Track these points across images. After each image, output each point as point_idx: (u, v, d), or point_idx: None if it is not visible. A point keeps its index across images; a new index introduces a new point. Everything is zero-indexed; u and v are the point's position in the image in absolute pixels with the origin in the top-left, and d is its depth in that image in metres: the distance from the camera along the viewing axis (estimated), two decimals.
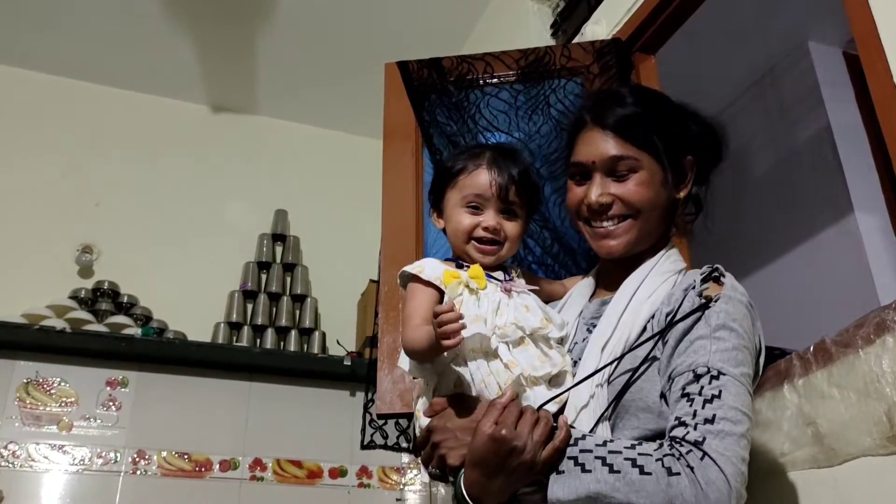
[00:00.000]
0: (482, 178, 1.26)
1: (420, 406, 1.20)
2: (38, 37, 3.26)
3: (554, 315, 1.24)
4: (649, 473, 0.97)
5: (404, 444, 2.15)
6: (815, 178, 2.83)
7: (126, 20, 3.16)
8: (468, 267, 1.23)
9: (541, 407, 1.08)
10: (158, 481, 2.86)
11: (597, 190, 1.23)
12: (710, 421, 0.99)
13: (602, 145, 1.23)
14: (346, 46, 3.31)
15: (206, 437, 2.97)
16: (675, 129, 1.26)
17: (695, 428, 0.99)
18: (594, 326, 1.21)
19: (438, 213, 1.34)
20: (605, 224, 1.23)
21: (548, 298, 1.33)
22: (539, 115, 1.70)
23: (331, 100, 3.64)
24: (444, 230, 1.33)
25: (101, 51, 3.35)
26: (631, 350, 1.12)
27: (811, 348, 1.37)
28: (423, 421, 1.17)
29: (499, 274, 1.26)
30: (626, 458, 0.99)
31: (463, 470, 1.06)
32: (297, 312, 3.35)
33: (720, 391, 1.01)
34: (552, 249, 1.60)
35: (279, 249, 3.52)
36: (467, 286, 1.18)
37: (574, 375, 1.16)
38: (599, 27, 2.26)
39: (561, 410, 1.11)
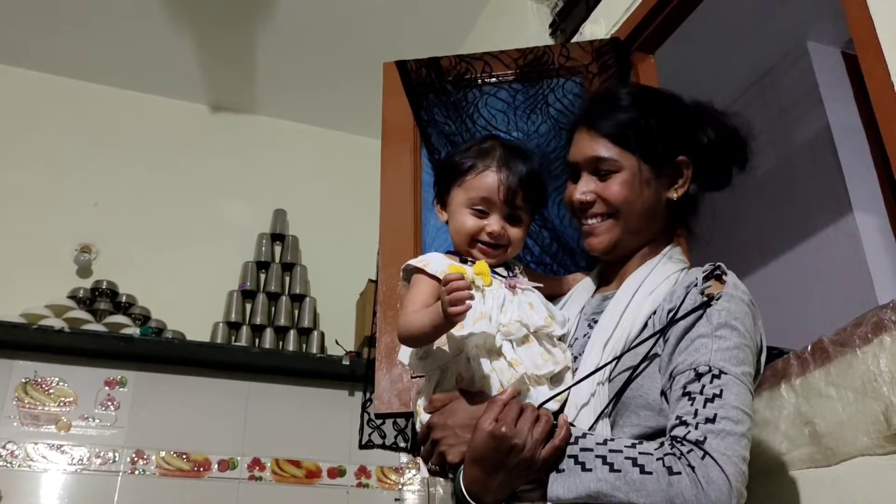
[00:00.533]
0: (490, 182, 1.25)
1: (421, 403, 1.20)
2: (38, 37, 3.26)
3: (556, 312, 1.24)
4: (650, 472, 0.97)
5: (402, 444, 2.14)
6: (815, 178, 2.83)
7: (126, 20, 3.16)
8: (472, 262, 1.23)
9: (541, 405, 1.08)
10: (157, 481, 2.86)
11: (581, 188, 1.26)
12: (711, 420, 0.99)
13: (587, 146, 1.26)
14: (346, 46, 3.31)
15: (205, 436, 2.97)
16: (667, 130, 1.26)
17: (696, 427, 0.99)
18: (595, 322, 1.21)
19: (442, 206, 1.34)
20: (589, 221, 1.27)
21: (550, 295, 1.33)
22: (538, 115, 1.69)
23: (330, 99, 3.64)
24: (446, 222, 1.32)
25: (100, 50, 3.34)
26: (632, 347, 1.12)
27: (809, 348, 1.37)
28: (423, 417, 1.17)
29: (502, 270, 1.26)
30: (626, 457, 0.99)
31: (462, 467, 1.07)
32: (296, 312, 3.35)
33: (721, 390, 1.01)
34: (551, 248, 1.60)
35: (278, 249, 3.52)
36: (472, 283, 1.17)
37: (574, 371, 1.16)
38: (598, 26, 2.27)
39: (561, 408, 1.11)
